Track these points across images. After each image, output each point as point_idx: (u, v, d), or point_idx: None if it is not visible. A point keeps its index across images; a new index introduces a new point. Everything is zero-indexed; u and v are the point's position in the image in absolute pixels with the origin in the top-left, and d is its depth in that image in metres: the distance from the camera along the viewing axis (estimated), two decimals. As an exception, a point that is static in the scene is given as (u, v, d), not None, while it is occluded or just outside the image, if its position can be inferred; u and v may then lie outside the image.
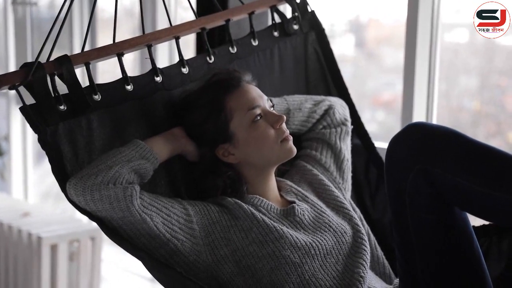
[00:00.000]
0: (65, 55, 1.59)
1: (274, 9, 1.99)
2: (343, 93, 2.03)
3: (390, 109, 2.92)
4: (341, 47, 3.03)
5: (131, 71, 2.70)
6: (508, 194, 1.40)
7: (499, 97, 2.54)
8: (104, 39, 3.58)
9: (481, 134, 2.63)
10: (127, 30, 3.76)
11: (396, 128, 2.51)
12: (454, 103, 2.63)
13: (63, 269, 3.17)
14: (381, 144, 2.56)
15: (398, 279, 1.62)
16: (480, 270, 1.51)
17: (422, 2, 2.28)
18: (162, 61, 3.24)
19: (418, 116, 2.34)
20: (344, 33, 3.01)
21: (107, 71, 3.62)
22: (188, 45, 3.01)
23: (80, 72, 1.67)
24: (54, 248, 3.15)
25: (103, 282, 3.49)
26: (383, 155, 2.58)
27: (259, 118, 1.65)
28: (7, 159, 4.24)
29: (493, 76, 2.55)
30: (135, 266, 3.53)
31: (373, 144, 2.01)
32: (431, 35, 2.31)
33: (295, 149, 1.68)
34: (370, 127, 3.03)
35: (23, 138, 4.14)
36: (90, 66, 1.65)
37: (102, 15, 3.66)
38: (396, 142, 1.51)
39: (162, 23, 3.24)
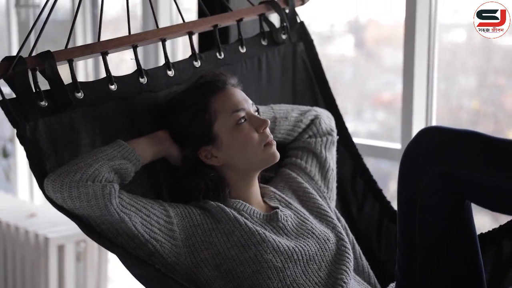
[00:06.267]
0: (48, 51, 1.56)
1: (263, 17, 1.98)
2: (331, 104, 2.02)
3: (390, 109, 2.94)
4: (341, 48, 3.04)
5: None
6: None
7: (497, 96, 2.55)
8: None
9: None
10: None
11: (397, 127, 2.53)
12: (453, 102, 2.65)
13: (70, 270, 3.20)
14: (383, 144, 2.59)
15: (394, 283, 1.61)
16: (478, 282, 1.51)
17: (419, 2, 2.31)
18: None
19: (418, 116, 2.36)
20: (344, 34, 3.02)
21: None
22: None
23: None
24: (61, 249, 3.18)
25: (110, 283, 3.51)
26: (383, 154, 2.62)
27: (243, 121, 1.64)
28: (13, 161, 4.27)
29: (491, 75, 2.57)
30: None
31: (359, 155, 2.00)
32: (429, 35, 2.34)
33: (278, 154, 1.67)
34: (371, 127, 3.05)
35: (28, 140, 4.15)
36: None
37: (105, 17, 3.67)
38: (413, 145, 1.49)
39: (164, 23, 3.25)
